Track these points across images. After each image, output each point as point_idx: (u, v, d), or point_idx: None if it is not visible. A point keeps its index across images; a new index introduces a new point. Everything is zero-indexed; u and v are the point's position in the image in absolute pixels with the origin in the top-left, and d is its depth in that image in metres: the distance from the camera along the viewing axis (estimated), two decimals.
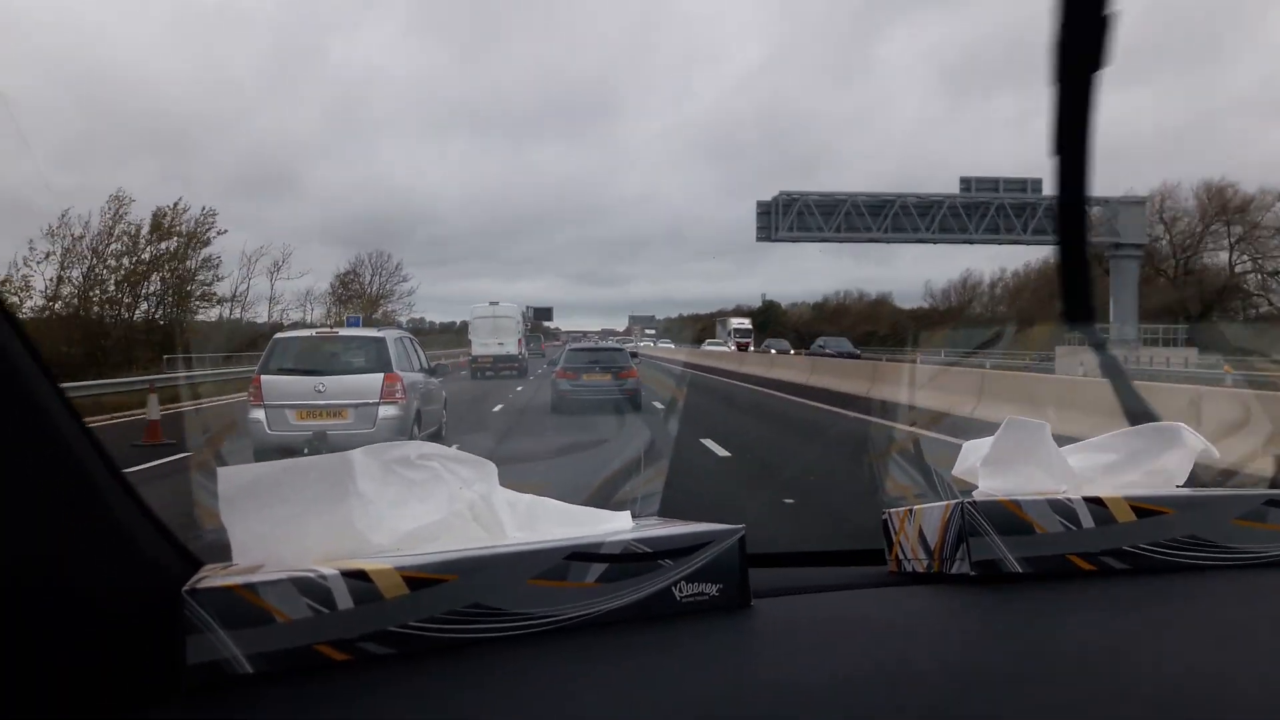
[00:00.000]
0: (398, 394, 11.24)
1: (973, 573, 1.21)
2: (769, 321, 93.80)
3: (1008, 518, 1.23)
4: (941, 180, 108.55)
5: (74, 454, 0.86)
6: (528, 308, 66.36)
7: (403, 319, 64.29)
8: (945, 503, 1.29)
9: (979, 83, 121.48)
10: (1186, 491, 1.37)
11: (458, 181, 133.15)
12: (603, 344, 26.10)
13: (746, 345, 67.82)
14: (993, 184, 52.24)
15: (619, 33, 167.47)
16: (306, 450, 10.16)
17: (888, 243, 54.78)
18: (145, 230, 43.20)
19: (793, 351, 54.85)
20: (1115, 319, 46.42)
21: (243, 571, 0.98)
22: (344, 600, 0.94)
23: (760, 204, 53.64)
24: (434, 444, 1.16)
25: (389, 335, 12.23)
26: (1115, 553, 1.25)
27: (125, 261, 42.69)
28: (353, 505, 1.03)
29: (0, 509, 0.80)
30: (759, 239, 54.10)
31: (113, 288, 41.98)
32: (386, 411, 11.11)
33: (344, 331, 13.56)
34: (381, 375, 11.24)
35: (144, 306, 44.04)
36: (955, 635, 1.12)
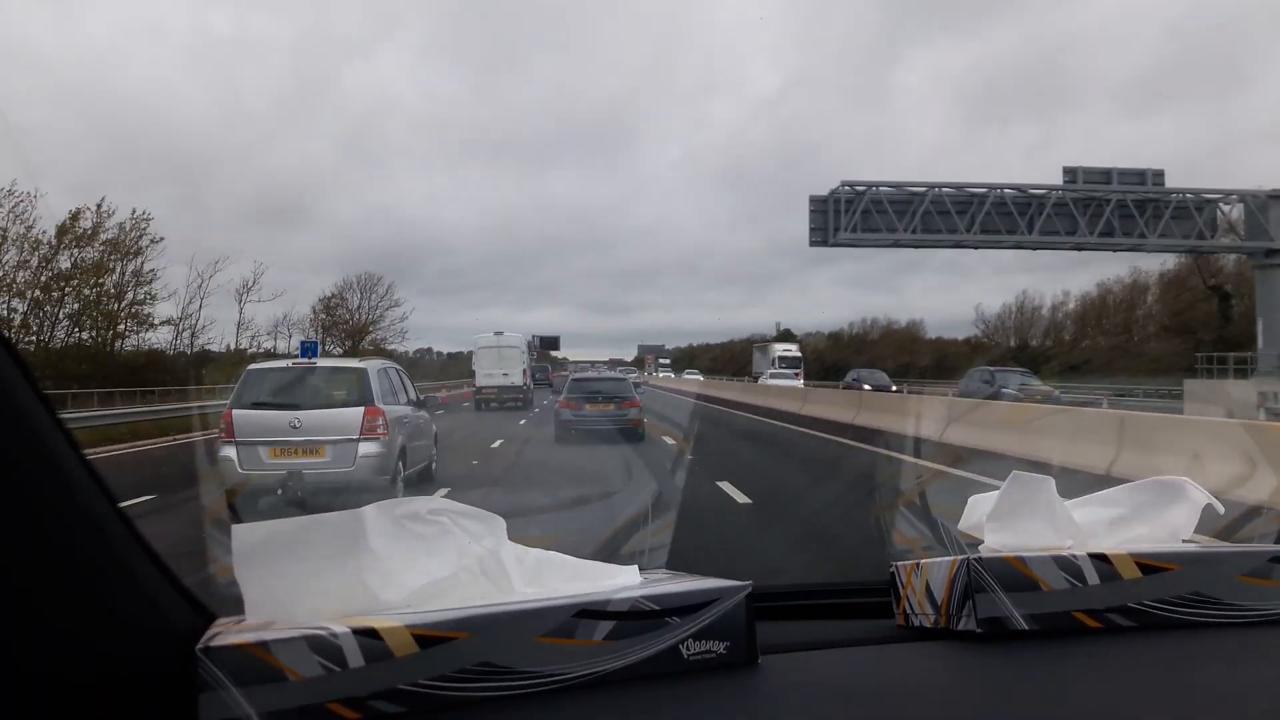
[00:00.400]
0: (379, 429, 10.32)
1: (979, 630, 1.22)
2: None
3: (1013, 574, 1.24)
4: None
5: (87, 506, 0.88)
6: (534, 337, 64.42)
7: (395, 347, 60.74)
8: (952, 558, 1.30)
9: (997, 111, 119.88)
10: (1192, 547, 1.38)
11: (471, 211, 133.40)
12: (606, 374, 25.98)
13: (797, 377, 55.18)
14: (1104, 175, 39.73)
15: (637, 59, 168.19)
16: (280, 490, 9.91)
17: (975, 247, 41.99)
18: (55, 235, 37.89)
19: (894, 388, 41.95)
20: (1264, 343, 36.65)
21: (255, 628, 0.99)
22: (355, 658, 0.94)
23: (815, 200, 40.27)
24: (444, 500, 1.17)
25: (371, 366, 11.21)
26: (1121, 609, 1.25)
27: (24, 275, 37.32)
28: (364, 562, 1.05)
29: (10, 561, 0.81)
30: (813, 243, 40.49)
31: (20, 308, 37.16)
32: (367, 448, 10.22)
33: (323, 362, 12.45)
34: (362, 409, 10.31)
35: (65, 328, 39.17)
36: (961, 695, 1.12)
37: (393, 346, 60.92)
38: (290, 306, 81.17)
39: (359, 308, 63.11)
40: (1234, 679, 1.12)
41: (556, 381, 66.59)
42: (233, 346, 49.03)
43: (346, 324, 61.84)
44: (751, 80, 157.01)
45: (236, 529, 1.01)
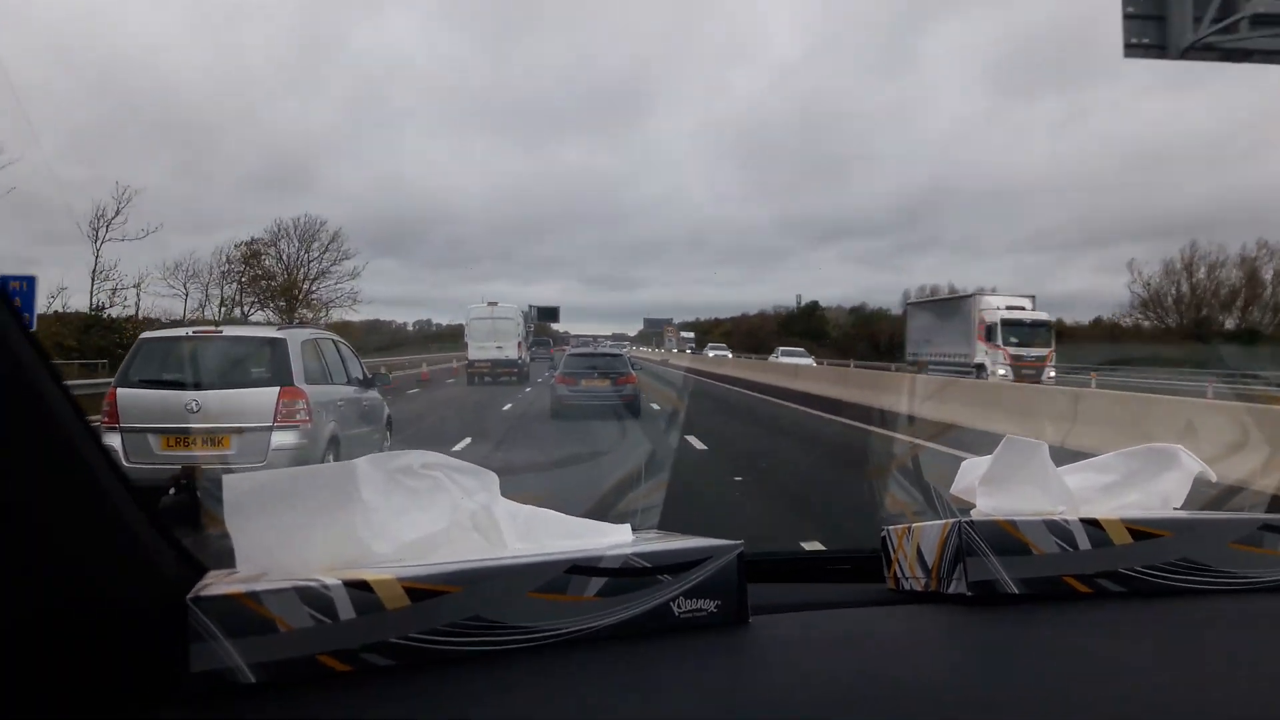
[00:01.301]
0: (299, 415, 8.39)
1: (969, 593, 1.22)
2: (812, 330, 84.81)
3: (1004, 538, 1.24)
4: (973, 190, 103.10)
5: (79, 456, 0.87)
6: (530, 307, 60.01)
7: (344, 314, 49.27)
8: (943, 521, 1.30)
9: (1024, 82, 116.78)
10: (1183, 514, 1.38)
11: (479, 180, 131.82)
12: (602, 350, 25.96)
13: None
14: None
15: (656, 24, 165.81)
16: (172, 490, 7.97)
17: None
18: None
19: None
20: None
21: (246, 579, 0.99)
22: (346, 610, 0.94)
23: None
24: (438, 454, 1.17)
25: (292, 336, 9.05)
26: (1111, 575, 1.25)
27: None
28: (356, 514, 1.04)
29: (3, 509, 0.81)
30: (1130, 49, 16.34)
31: None
32: (282, 439, 8.29)
33: (231, 330, 9.93)
34: (277, 390, 8.37)
35: None
36: (951, 657, 1.13)
37: (339, 313, 49.71)
38: (191, 250, 71.88)
39: (296, 260, 50.01)
40: (1224, 646, 1.13)
41: (557, 356, 65.51)
42: (92, 306, 36.35)
43: (273, 281, 48.49)
44: (774, 47, 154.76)
45: (228, 479, 1.01)
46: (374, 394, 10.96)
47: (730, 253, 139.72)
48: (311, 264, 50.40)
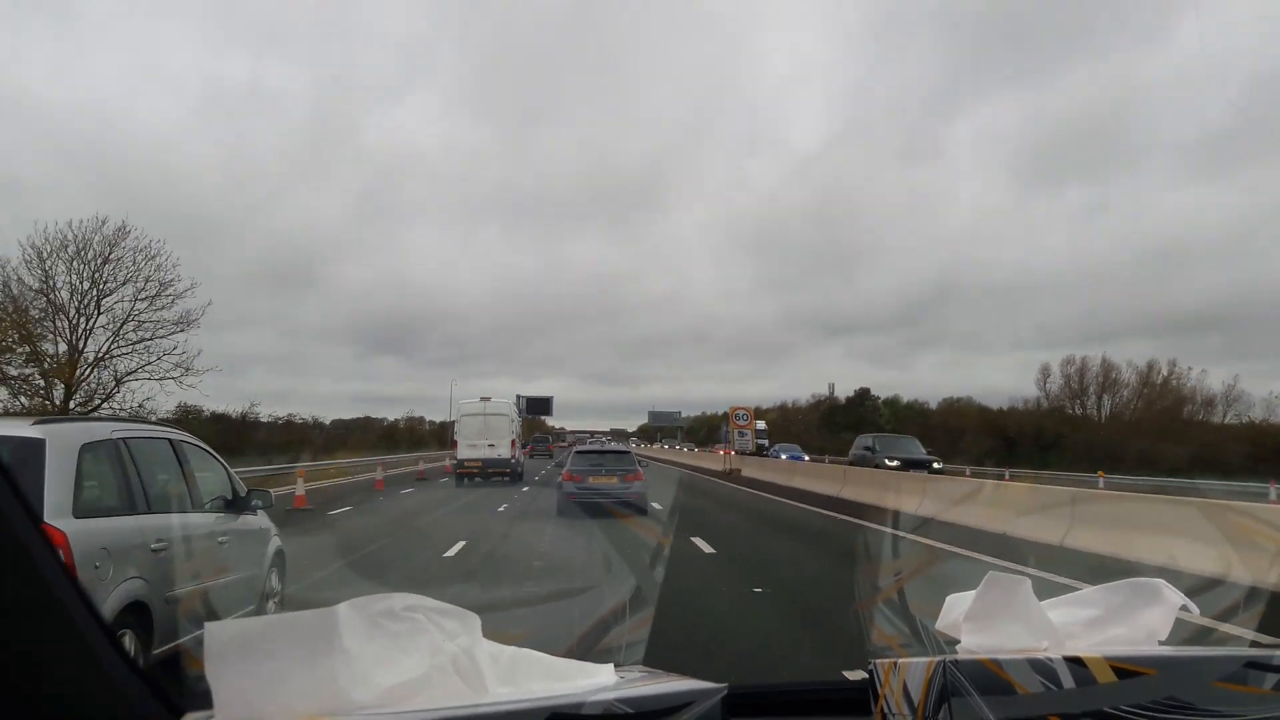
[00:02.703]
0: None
1: None
2: (863, 420, 72.64)
3: (989, 678, 1.24)
4: (982, 285, 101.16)
5: (53, 596, 0.87)
6: (519, 398, 55.73)
7: (183, 395, 30.36)
8: (929, 659, 1.29)
9: (1048, 172, 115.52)
10: (1168, 651, 1.38)
11: (483, 277, 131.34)
12: (609, 446, 25.69)
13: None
14: None
15: (676, 114, 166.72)
16: None
17: None
18: None
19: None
20: None
21: None
22: None
23: None
24: (419, 596, 1.16)
25: (61, 435, 5.29)
26: (1096, 715, 1.24)
27: None
28: (337, 661, 1.03)
29: None
30: None
31: None
32: None
33: None
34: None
35: None
36: None
37: (173, 396, 30.00)
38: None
39: (74, 292, 28.21)
40: None
41: (558, 453, 61.21)
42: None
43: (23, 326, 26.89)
44: (795, 136, 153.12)
45: (210, 626, 1.00)
46: (251, 521, 7.36)
47: (734, 348, 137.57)
48: (105, 285, 28.74)
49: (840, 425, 77.21)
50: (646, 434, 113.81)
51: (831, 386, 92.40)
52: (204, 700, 1.03)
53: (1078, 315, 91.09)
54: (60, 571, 0.88)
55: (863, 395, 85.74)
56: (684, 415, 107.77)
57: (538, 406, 66.44)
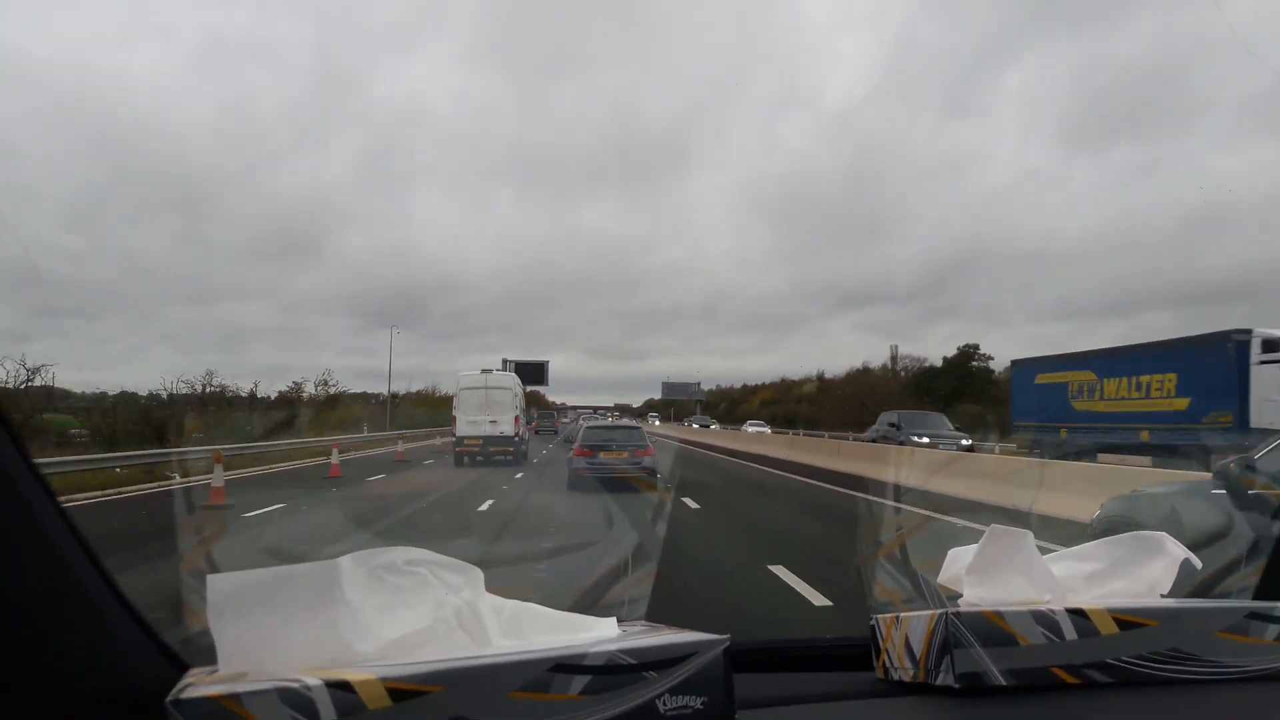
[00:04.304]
0: None
1: (957, 685, 1.21)
2: (973, 390, 60.70)
3: (991, 629, 1.24)
4: (1007, 254, 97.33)
5: (59, 550, 0.87)
6: (505, 362, 53.59)
7: None
8: (931, 612, 1.30)
9: (1098, 130, 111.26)
10: (1169, 603, 1.38)
11: (491, 246, 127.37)
12: (619, 422, 25.84)
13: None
14: None
15: (705, 68, 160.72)
16: None
17: None
18: None
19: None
20: None
21: (227, 679, 0.98)
22: (327, 711, 0.93)
23: None
24: (421, 550, 1.16)
25: None
26: (1098, 665, 1.25)
27: None
28: (339, 613, 1.04)
29: None
30: None
31: None
32: None
33: None
34: None
35: None
36: None
37: None
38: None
39: None
40: None
41: (563, 428, 57.44)
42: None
43: None
44: (832, 89, 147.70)
45: (211, 579, 1.00)
46: None
47: (743, 321, 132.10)
48: None
49: (940, 394, 62.20)
50: (652, 409, 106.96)
51: (894, 348, 78.48)
52: (207, 655, 1.04)
53: (1100, 285, 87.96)
54: (65, 528, 0.88)
55: (968, 356, 67.99)
56: (703, 387, 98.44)
57: (531, 374, 56.71)
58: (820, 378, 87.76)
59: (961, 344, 68.63)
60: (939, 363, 70.42)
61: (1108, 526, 6.46)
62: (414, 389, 73.70)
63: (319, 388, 52.48)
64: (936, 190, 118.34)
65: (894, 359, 77.36)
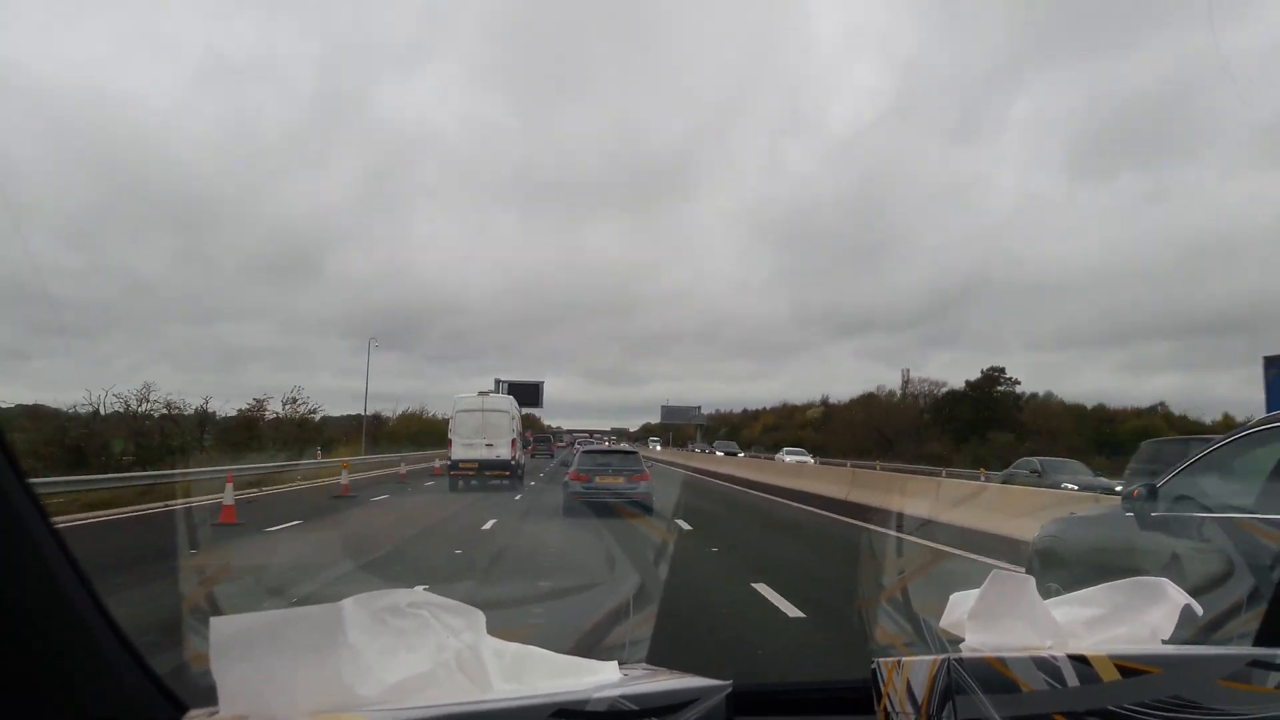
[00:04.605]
0: None
1: None
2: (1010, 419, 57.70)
3: (993, 676, 1.24)
4: (1010, 282, 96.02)
5: (59, 588, 0.87)
6: (498, 382, 51.90)
7: None
8: (933, 657, 1.29)
9: (1105, 157, 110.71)
10: (1171, 649, 1.38)
11: (491, 269, 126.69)
12: (616, 447, 25.63)
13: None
14: None
15: (712, 93, 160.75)
16: None
17: None
18: None
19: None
20: None
21: None
22: None
23: None
24: (424, 593, 1.17)
25: None
26: (1100, 714, 1.24)
27: None
28: (342, 657, 1.04)
29: None
30: None
31: None
32: None
33: None
34: None
35: None
36: None
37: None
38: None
39: None
40: None
41: (559, 453, 56.49)
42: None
43: None
44: (839, 115, 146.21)
45: (215, 621, 1.01)
46: None
47: (742, 346, 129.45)
48: None
49: (961, 420, 59.95)
50: (650, 433, 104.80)
51: (905, 372, 74.71)
52: (207, 696, 1.04)
53: (1101, 315, 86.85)
54: (67, 565, 0.89)
55: (993, 380, 63.53)
56: (703, 411, 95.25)
57: (525, 396, 53.23)
58: (825, 403, 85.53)
59: (986, 367, 65.54)
60: (956, 387, 67.34)
61: (1044, 546, 7.14)
62: (403, 410, 71.38)
63: (287, 406, 47.12)
64: (940, 217, 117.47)
65: (905, 383, 74.47)
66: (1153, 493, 5.80)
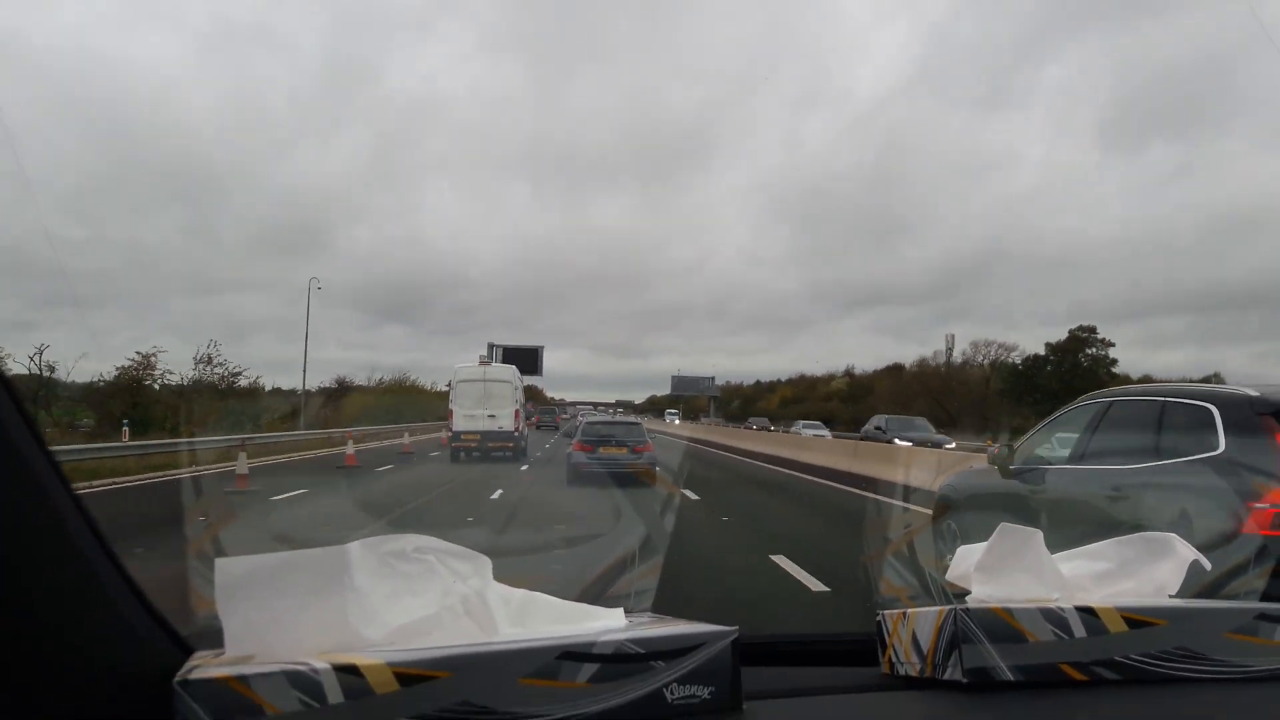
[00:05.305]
0: None
1: (965, 680, 1.21)
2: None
3: (1000, 626, 1.24)
4: (1028, 256, 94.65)
5: (69, 534, 0.87)
6: (491, 346, 50.48)
7: None
8: (939, 608, 1.29)
9: (1135, 129, 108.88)
10: (1179, 603, 1.38)
11: (500, 241, 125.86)
12: (619, 418, 25.76)
13: None
14: None
15: (733, 61, 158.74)
16: None
17: None
18: None
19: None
20: None
21: (234, 661, 0.98)
22: (335, 694, 0.94)
23: None
24: (430, 538, 1.17)
25: None
26: (1107, 663, 1.24)
27: None
28: (348, 598, 1.04)
29: None
30: None
31: None
32: None
33: None
34: None
35: None
36: None
37: None
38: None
39: None
40: None
41: (564, 424, 55.28)
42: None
43: None
44: (861, 84, 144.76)
45: (220, 562, 1.01)
46: None
47: (751, 321, 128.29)
48: None
49: (1043, 392, 52.82)
50: (656, 405, 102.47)
51: (949, 338, 67.58)
52: (211, 640, 1.04)
53: (1118, 290, 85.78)
54: (71, 503, 0.88)
55: (1080, 342, 56.17)
56: (717, 382, 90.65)
57: (523, 362, 46.47)
58: (849, 373, 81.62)
59: (1075, 326, 58.81)
60: (1029, 351, 60.28)
61: (943, 494, 8.51)
62: (379, 380, 65.51)
63: (200, 366, 39.50)
64: (960, 191, 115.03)
65: (950, 350, 68.90)
66: (1011, 451, 7.36)
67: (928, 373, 69.20)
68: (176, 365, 38.69)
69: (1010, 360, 63.64)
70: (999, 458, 7.45)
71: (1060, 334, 61.75)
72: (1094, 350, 58.27)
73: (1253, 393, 5.42)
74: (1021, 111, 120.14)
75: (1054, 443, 7.15)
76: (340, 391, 59.69)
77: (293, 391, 52.16)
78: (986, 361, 66.69)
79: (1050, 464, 6.87)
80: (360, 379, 63.47)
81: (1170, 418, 5.82)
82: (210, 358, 40.58)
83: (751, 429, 51.62)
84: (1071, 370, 56.31)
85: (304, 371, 50.61)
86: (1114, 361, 58.09)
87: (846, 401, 72.28)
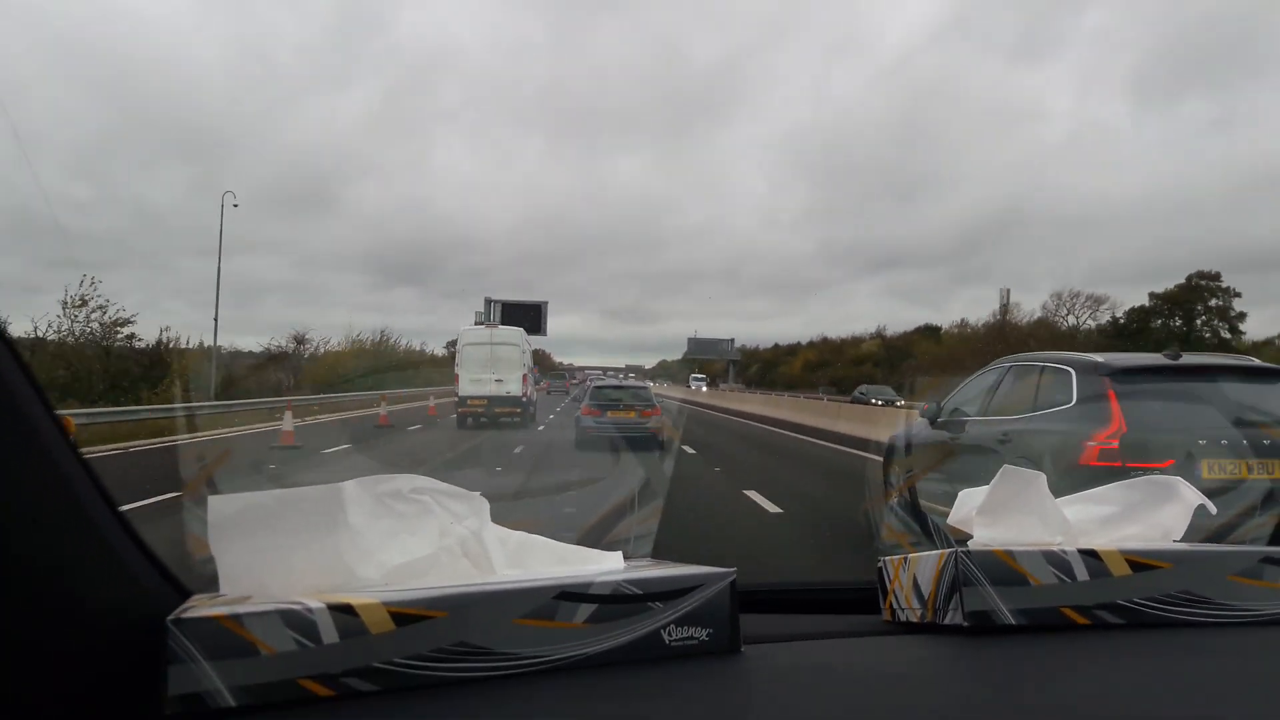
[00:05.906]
0: None
1: (965, 623, 1.20)
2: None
3: (1001, 569, 1.23)
4: (1050, 217, 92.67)
5: (64, 477, 0.86)
6: (489, 302, 47.81)
7: None
8: (939, 552, 1.28)
9: (1171, 79, 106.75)
10: (1183, 546, 1.37)
11: (512, 202, 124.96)
12: (627, 382, 25.70)
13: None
14: None
15: (760, 10, 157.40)
16: None
17: None
18: None
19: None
20: None
21: (229, 602, 0.97)
22: (329, 634, 0.93)
23: None
24: (427, 479, 1.15)
25: None
26: (1110, 606, 1.24)
27: None
28: (343, 538, 1.03)
29: None
30: None
31: None
32: None
33: None
34: None
35: None
36: (947, 688, 1.10)
37: None
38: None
39: None
40: (1223, 678, 1.11)
41: (574, 390, 55.65)
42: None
43: None
44: (892, 32, 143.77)
45: (213, 500, 0.99)
46: None
47: (764, 284, 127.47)
48: None
49: (1155, 348, 42.42)
50: (668, 372, 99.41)
51: (1005, 291, 62.05)
52: (209, 584, 1.03)
53: (1142, 250, 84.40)
54: (67, 447, 0.87)
55: (1197, 289, 49.08)
56: (737, 345, 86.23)
57: (523, 318, 43.10)
58: (881, 335, 77.41)
59: (1192, 272, 50.01)
60: (1126, 303, 52.86)
61: (890, 442, 9.92)
62: (359, 339, 57.86)
63: (70, 310, 30.37)
64: (987, 146, 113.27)
65: (1004, 306, 62.77)
66: (939, 408, 8.52)
67: (969, 335, 64.35)
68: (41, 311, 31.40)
69: (1108, 313, 57.68)
70: (929, 412, 8.72)
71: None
72: (1217, 301, 50.96)
73: (1099, 359, 6.73)
74: (1055, 61, 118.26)
75: (972, 400, 8.36)
76: (286, 356, 49.31)
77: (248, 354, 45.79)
78: (1071, 316, 60.28)
79: (967, 416, 8.13)
80: (338, 339, 56.87)
81: (1045, 378, 7.17)
82: (85, 299, 31.06)
83: (875, 403, 38.37)
84: (1186, 324, 49.49)
85: (215, 320, 33.96)
86: (1242, 316, 50.41)
87: (880, 365, 68.80)
